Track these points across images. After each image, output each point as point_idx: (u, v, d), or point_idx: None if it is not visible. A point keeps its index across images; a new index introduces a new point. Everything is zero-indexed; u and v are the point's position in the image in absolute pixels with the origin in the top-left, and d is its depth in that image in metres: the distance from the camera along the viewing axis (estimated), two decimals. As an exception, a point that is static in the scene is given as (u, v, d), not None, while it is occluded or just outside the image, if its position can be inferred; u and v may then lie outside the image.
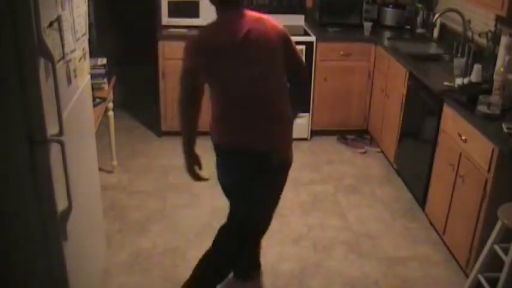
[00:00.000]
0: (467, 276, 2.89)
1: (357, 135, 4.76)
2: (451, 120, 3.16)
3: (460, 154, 3.03)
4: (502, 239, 2.56)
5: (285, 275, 3.05)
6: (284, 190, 3.95)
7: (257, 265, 3.02)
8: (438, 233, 3.38)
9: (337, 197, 3.89)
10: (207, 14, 4.51)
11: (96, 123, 3.19)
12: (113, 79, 3.94)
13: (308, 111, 4.67)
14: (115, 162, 4.09)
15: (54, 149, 1.98)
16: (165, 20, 4.52)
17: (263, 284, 2.99)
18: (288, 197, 3.85)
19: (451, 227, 3.17)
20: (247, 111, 2.43)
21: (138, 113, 5.16)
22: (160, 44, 4.39)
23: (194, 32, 4.43)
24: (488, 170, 2.73)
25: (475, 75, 3.36)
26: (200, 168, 2.66)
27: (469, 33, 3.94)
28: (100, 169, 3.04)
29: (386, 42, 4.48)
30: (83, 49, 2.48)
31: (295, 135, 4.89)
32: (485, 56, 3.66)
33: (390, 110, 4.21)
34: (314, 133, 4.80)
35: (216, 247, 2.68)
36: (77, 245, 2.32)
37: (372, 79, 4.64)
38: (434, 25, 4.47)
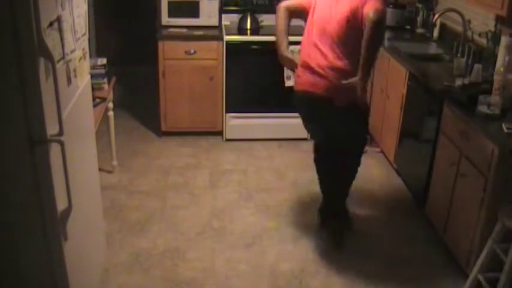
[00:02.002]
0: (467, 276, 2.89)
1: (357, 135, 4.75)
2: (451, 120, 3.16)
3: (460, 154, 3.03)
4: (502, 239, 2.56)
5: (285, 275, 3.05)
6: (284, 190, 3.97)
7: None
8: (438, 233, 3.38)
9: (337, 197, 3.89)
10: (207, 14, 4.55)
11: (96, 123, 3.19)
12: (113, 79, 3.94)
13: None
14: (115, 162, 4.09)
15: (54, 149, 1.98)
16: (165, 20, 4.52)
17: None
18: (288, 196, 3.85)
19: (451, 227, 3.17)
20: None
21: (138, 113, 5.16)
22: (160, 44, 4.39)
23: (194, 32, 4.48)
24: (488, 170, 2.73)
25: (475, 75, 3.36)
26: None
27: (469, 33, 3.94)
28: (100, 169, 3.05)
29: (386, 42, 4.47)
30: (83, 49, 2.48)
31: (295, 135, 4.91)
32: (485, 56, 3.66)
33: (390, 110, 4.21)
34: (314, 133, 4.79)
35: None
36: (77, 245, 2.32)
37: (372, 79, 4.63)
38: (434, 25, 4.47)
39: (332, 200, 3.46)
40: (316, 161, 3.45)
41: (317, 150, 3.43)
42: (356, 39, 2.88)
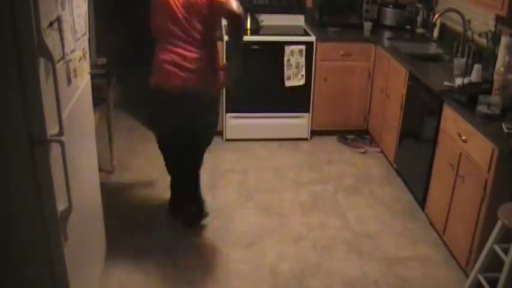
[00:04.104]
0: (467, 276, 2.89)
1: (357, 135, 4.76)
2: (451, 120, 3.16)
3: (460, 154, 3.03)
4: (502, 239, 2.56)
5: (285, 275, 3.06)
6: (284, 190, 3.97)
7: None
8: (438, 233, 3.38)
9: (337, 197, 3.89)
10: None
11: (96, 123, 3.19)
12: (113, 79, 3.94)
13: (308, 111, 4.68)
14: (115, 162, 4.09)
15: (54, 149, 1.98)
16: (165, 20, 4.50)
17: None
18: (288, 197, 3.85)
19: (451, 227, 3.17)
20: None
21: (138, 113, 5.16)
22: (160, 44, 4.38)
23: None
24: (488, 170, 2.73)
25: (475, 75, 3.36)
26: None
27: (469, 33, 3.94)
28: (100, 169, 3.04)
29: (386, 42, 4.48)
30: (83, 49, 2.48)
31: (295, 135, 4.92)
32: (485, 56, 3.66)
33: (390, 110, 4.22)
34: (314, 133, 4.80)
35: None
36: (77, 245, 2.32)
37: (372, 79, 4.64)
38: (434, 25, 4.47)
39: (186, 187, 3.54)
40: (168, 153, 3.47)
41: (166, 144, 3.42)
42: (207, 28, 3.07)
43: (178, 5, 2.99)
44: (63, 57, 2.10)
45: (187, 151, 3.36)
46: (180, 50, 3.04)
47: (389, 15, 4.92)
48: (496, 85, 3.01)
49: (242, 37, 3.15)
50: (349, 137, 4.74)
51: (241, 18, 3.03)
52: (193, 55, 3.05)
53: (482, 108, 2.94)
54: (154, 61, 3.14)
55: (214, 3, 2.98)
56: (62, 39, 2.07)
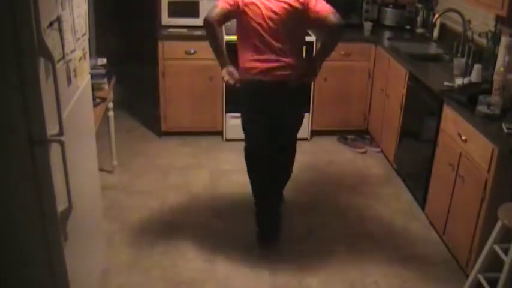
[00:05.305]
0: (467, 276, 2.89)
1: (357, 135, 4.76)
2: (451, 120, 3.16)
3: (460, 154, 3.03)
4: (502, 239, 2.56)
5: (285, 274, 3.06)
6: (284, 190, 3.96)
7: None
8: (438, 233, 3.38)
9: (337, 197, 3.89)
10: (207, 14, 4.54)
11: (96, 123, 3.19)
12: (113, 79, 3.94)
13: (308, 111, 4.68)
14: (115, 162, 4.09)
15: (54, 149, 1.98)
16: (165, 20, 4.52)
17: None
18: (288, 197, 3.85)
19: (451, 227, 3.17)
20: None
21: (138, 113, 5.16)
22: (160, 44, 4.39)
23: (194, 32, 4.47)
24: (488, 170, 2.73)
25: (475, 75, 3.36)
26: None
27: (469, 33, 3.94)
28: (100, 169, 3.05)
29: (386, 42, 4.48)
30: (83, 49, 2.48)
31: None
32: (485, 56, 3.66)
33: (390, 110, 4.22)
34: (314, 133, 4.80)
35: None
36: (77, 245, 2.32)
37: (372, 79, 4.64)
38: (434, 25, 4.47)
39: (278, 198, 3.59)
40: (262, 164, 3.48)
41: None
42: (300, 30, 3.24)
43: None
44: (63, 57, 2.10)
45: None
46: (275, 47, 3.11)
47: (389, 15, 4.91)
48: (496, 85, 3.01)
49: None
50: (349, 137, 4.74)
51: (341, 27, 3.16)
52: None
53: (482, 108, 2.94)
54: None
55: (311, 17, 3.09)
56: (62, 39, 2.07)
